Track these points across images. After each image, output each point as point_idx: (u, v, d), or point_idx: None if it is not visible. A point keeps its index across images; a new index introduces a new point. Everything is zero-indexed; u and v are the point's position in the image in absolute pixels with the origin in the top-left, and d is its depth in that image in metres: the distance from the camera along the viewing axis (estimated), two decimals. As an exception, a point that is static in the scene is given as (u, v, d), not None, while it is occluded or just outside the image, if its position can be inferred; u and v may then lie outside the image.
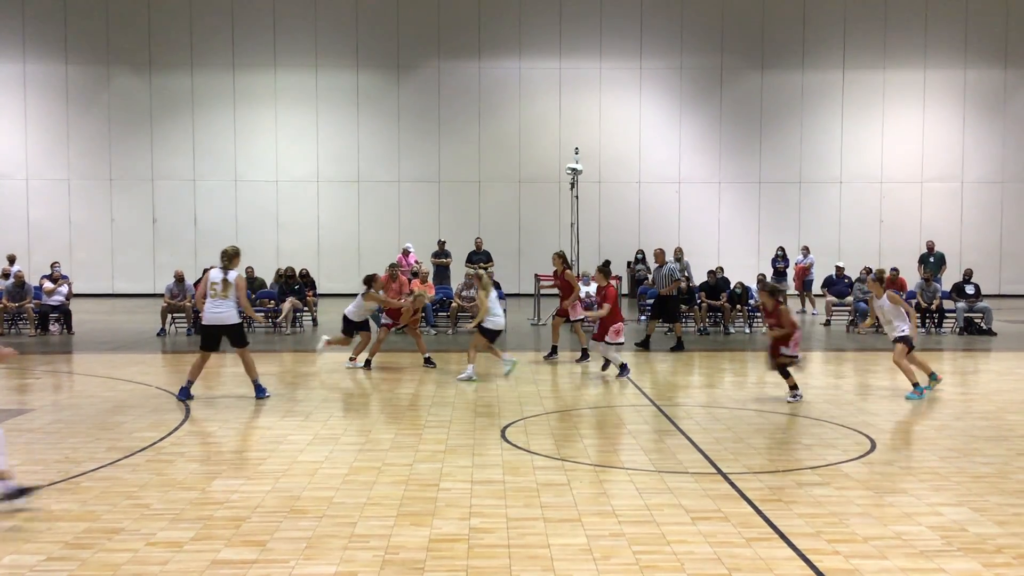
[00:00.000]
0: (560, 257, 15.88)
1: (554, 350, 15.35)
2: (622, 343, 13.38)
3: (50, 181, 28.74)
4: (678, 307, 17.41)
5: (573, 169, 22.95)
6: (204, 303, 11.53)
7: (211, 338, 11.58)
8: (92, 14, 28.56)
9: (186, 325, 19.18)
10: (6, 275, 20.85)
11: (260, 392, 11.62)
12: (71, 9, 28.55)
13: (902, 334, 11.89)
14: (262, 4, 28.68)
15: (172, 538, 6.25)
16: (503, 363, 13.57)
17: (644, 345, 16.67)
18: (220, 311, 11.50)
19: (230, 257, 11.65)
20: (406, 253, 23.10)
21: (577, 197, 23.46)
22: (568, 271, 15.71)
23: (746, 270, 23.76)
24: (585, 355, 15.03)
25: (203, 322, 11.67)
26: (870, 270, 20.74)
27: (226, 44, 28.71)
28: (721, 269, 21.33)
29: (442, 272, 23.71)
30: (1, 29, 28.47)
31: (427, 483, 7.65)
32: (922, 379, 12.08)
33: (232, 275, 11.55)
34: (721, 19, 29.13)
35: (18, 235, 28.03)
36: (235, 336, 11.65)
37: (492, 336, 13.53)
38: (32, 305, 19.19)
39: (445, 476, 7.87)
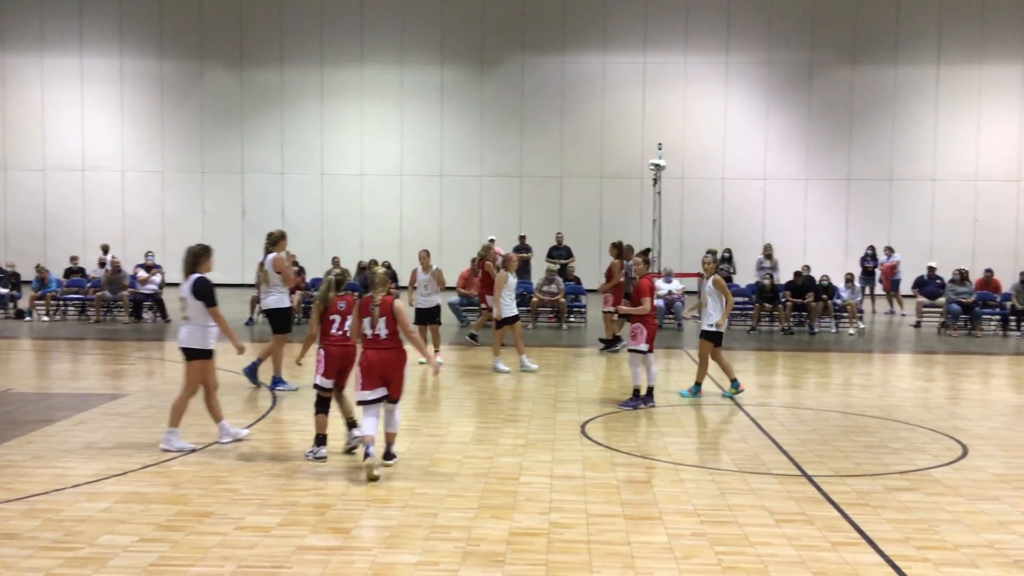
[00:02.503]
0: (615, 247, 16.27)
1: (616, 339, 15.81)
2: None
3: (145, 173, 29.63)
4: None
5: (656, 165, 22.79)
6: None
7: (270, 323, 11.70)
8: (186, 11, 29.33)
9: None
10: (102, 264, 21.60)
11: (274, 384, 11.53)
12: (166, 7, 29.36)
13: (712, 328, 11.31)
14: (350, 1, 29.09)
15: (260, 523, 6.40)
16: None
17: (609, 344, 15.83)
18: (265, 297, 11.59)
19: (274, 241, 11.49)
20: (491, 244, 23.23)
21: (660, 193, 23.28)
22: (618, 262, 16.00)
23: (834, 269, 23.19)
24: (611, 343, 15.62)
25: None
26: (963, 271, 20.13)
27: (315, 40, 29.20)
28: (807, 268, 20.92)
29: (522, 267, 23.74)
30: (100, 26, 29.44)
31: (507, 477, 7.69)
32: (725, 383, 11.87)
33: (268, 259, 11.39)
34: (811, 12, 28.53)
35: (114, 225, 28.98)
36: (272, 321, 11.55)
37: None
38: (127, 293, 19.82)
39: (525, 470, 7.90)
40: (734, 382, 11.60)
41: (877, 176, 28.63)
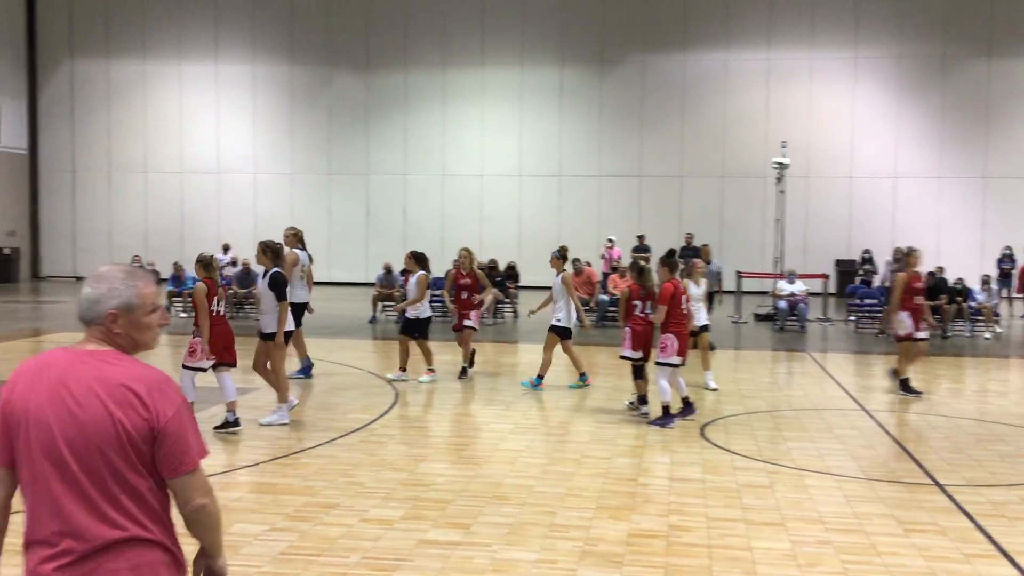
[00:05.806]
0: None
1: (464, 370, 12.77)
2: None
3: (275, 175, 30.68)
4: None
5: (780, 163, 22.30)
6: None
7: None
8: (316, 18, 30.24)
9: (395, 314, 19.98)
10: (233, 262, 22.52)
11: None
12: (297, 14, 30.35)
13: (556, 323, 11.66)
14: (472, 3, 29.44)
15: (383, 516, 6.57)
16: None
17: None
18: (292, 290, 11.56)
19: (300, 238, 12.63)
20: (611, 244, 23.20)
21: (783, 192, 22.76)
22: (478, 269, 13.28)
23: (969, 270, 22.26)
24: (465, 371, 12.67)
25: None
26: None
27: (437, 43, 29.67)
28: (941, 269, 20.10)
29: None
30: (234, 34, 30.64)
31: (625, 477, 7.67)
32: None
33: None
34: (945, 4, 27.38)
35: (246, 226, 30.10)
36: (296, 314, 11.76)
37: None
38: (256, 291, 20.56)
39: (643, 471, 7.87)
40: (582, 375, 11.90)
41: (1015, 174, 27.27)
